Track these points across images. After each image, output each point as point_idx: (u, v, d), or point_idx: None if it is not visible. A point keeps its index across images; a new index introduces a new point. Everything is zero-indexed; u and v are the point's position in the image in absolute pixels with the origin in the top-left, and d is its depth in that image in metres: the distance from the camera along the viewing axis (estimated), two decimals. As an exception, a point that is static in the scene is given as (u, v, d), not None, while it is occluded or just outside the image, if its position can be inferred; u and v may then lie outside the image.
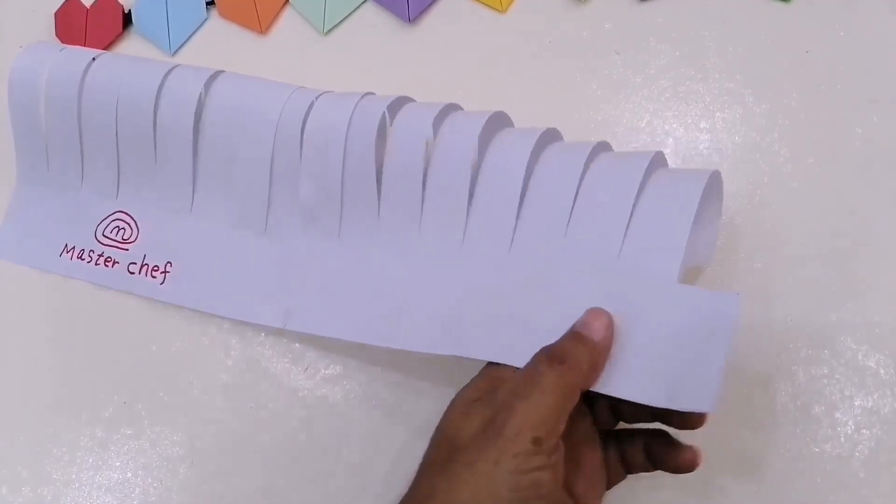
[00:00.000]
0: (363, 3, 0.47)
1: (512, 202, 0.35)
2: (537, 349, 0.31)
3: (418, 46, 0.46)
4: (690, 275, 0.37)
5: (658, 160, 0.34)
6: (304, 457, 0.40)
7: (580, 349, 0.30)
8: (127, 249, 0.44)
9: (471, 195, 0.36)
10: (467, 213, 0.36)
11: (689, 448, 0.31)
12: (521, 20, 0.45)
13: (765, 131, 0.41)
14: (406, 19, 0.46)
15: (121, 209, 0.45)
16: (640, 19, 0.44)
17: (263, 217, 0.41)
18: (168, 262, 0.43)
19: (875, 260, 0.38)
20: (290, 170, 0.40)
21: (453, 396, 0.32)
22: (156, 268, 0.43)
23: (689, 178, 0.33)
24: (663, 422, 0.31)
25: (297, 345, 0.41)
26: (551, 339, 0.31)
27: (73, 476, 0.41)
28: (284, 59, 0.47)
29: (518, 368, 0.31)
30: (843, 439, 0.36)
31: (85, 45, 0.49)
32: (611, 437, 0.33)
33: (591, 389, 0.31)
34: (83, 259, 0.44)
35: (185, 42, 0.49)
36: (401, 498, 0.30)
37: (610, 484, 0.32)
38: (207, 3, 0.49)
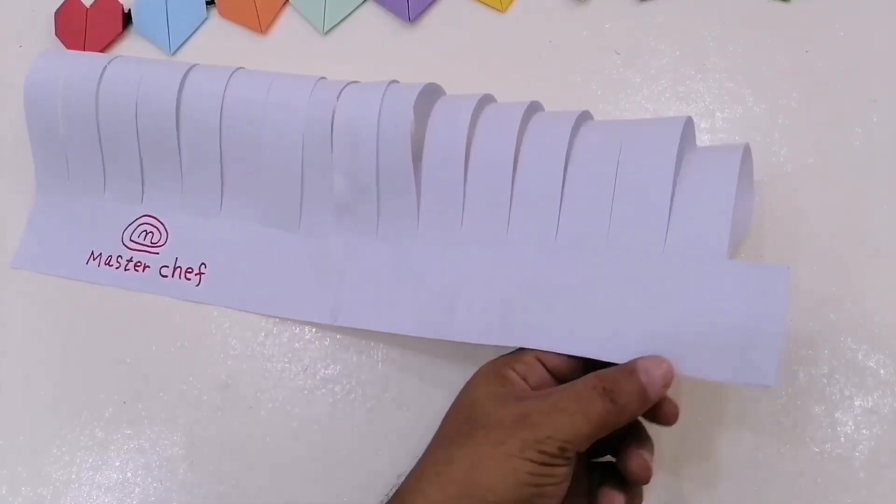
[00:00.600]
0: (363, 3, 0.47)
1: (555, 191, 0.35)
2: (592, 336, 0.32)
3: (418, 46, 0.46)
4: (734, 250, 0.37)
5: (688, 129, 0.35)
6: (304, 457, 0.40)
7: (633, 395, 0.30)
8: (157, 253, 0.43)
9: (512, 185, 0.36)
10: (510, 204, 0.36)
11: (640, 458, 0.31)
12: (521, 20, 0.45)
13: (765, 131, 0.41)
14: (406, 19, 0.46)
15: (147, 213, 0.44)
16: (640, 19, 0.44)
17: (296, 214, 0.41)
18: (202, 264, 0.42)
19: (875, 260, 0.38)
20: (320, 165, 0.39)
21: (456, 394, 0.32)
22: (189, 269, 0.43)
23: (724, 152, 0.34)
24: (645, 417, 0.32)
25: (296, 345, 0.41)
26: (605, 326, 0.32)
27: (73, 476, 0.41)
28: (284, 58, 0.47)
29: (567, 356, 0.32)
30: (843, 439, 0.36)
31: (85, 45, 0.49)
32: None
33: None
34: (111, 265, 0.44)
35: (184, 42, 0.49)
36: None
37: None
38: (207, 3, 0.49)
